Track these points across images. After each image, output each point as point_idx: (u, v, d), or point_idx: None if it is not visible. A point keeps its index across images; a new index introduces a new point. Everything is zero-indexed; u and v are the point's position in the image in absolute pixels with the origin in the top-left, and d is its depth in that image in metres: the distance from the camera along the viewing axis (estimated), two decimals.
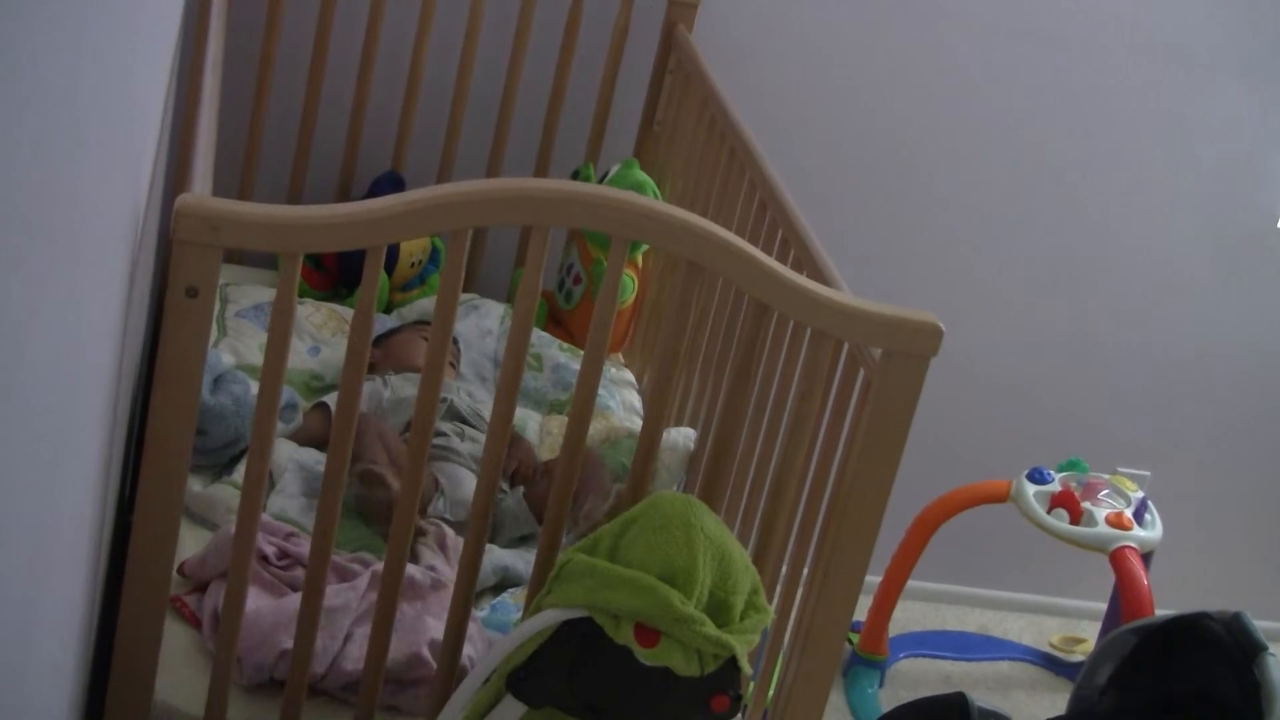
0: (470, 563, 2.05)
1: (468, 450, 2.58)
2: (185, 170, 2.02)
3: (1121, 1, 3.42)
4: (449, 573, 2.30)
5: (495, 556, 2.43)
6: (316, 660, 2.08)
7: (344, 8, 3.09)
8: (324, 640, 2.10)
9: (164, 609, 1.94)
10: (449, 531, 2.43)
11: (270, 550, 2.27)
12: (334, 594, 2.15)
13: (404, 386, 2.68)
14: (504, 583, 2.44)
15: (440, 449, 2.55)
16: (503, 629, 2.23)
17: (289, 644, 2.07)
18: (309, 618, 2.01)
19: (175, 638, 2.13)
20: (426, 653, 2.15)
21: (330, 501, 1.96)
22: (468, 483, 2.53)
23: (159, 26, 1.99)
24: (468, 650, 2.11)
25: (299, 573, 2.25)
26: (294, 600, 2.13)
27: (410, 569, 2.21)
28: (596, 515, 2.40)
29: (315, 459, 2.51)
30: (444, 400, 2.64)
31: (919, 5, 3.36)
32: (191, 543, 2.32)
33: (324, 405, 2.63)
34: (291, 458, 2.53)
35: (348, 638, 2.14)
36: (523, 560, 2.47)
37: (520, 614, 2.27)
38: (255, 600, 2.11)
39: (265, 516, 2.35)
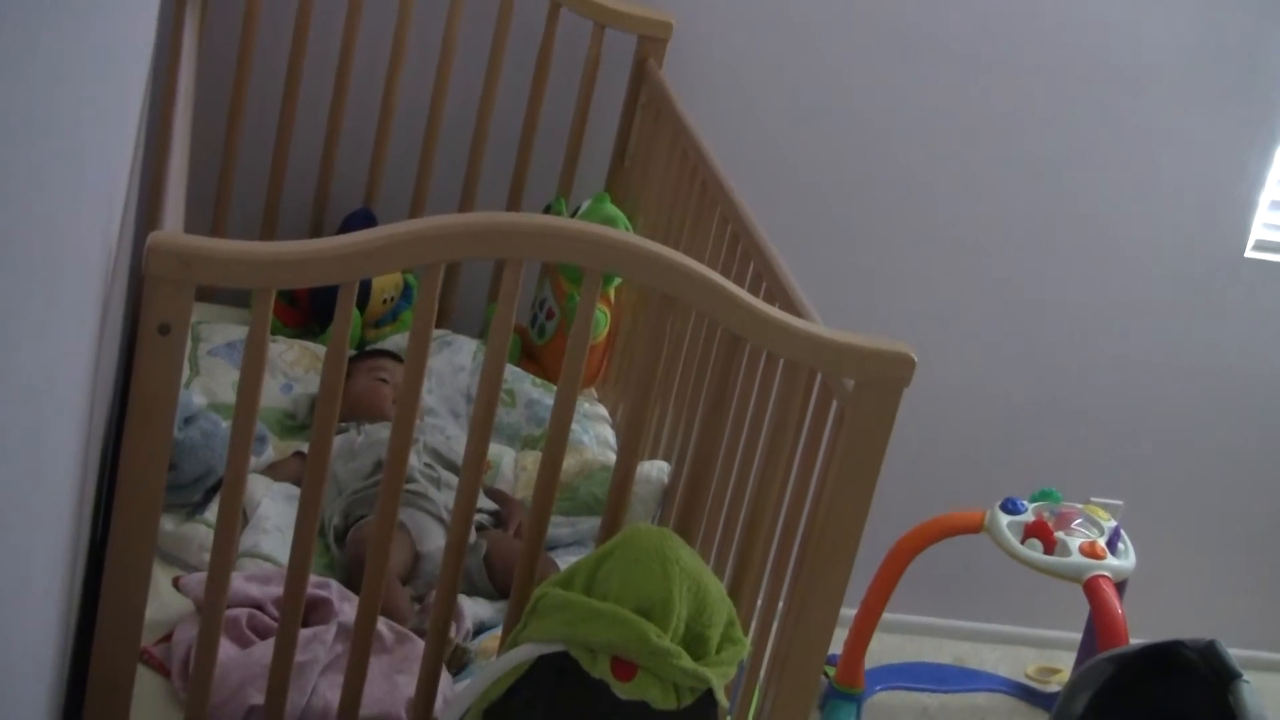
0: (442, 615, 2.04)
1: (442, 500, 2.55)
2: (157, 207, 2.03)
3: (1086, 30, 3.44)
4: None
5: (466, 608, 2.39)
6: (285, 717, 2.06)
7: (316, 44, 3.09)
8: (292, 696, 2.08)
9: (137, 648, 1.93)
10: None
11: (259, 594, 2.24)
12: (302, 648, 2.12)
13: (377, 429, 2.66)
14: (479, 629, 2.42)
15: (410, 494, 2.51)
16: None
17: (257, 699, 2.06)
18: (281, 673, 2.00)
19: (145, 683, 2.11)
20: (404, 714, 2.13)
21: (303, 547, 1.95)
22: (435, 535, 2.50)
23: (130, 63, 1.99)
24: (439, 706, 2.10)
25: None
26: (259, 651, 2.12)
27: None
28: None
29: (293, 493, 2.50)
30: (416, 440, 2.62)
31: (886, 37, 3.37)
32: (164, 582, 2.30)
33: (302, 455, 2.60)
34: (266, 492, 2.52)
35: (313, 691, 2.12)
36: (497, 610, 2.45)
37: (473, 662, 2.26)
38: (221, 649, 2.09)
39: (255, 565, 2.34)
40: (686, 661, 1.88)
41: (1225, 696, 2.38)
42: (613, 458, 2.78)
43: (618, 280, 3.02)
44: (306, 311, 3.10)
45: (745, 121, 3.37)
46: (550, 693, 1.92)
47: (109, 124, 1.71)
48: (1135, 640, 2.87)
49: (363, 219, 3.13)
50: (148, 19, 2.41)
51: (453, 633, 2.25)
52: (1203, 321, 3.75)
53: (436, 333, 3.04)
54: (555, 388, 2.05)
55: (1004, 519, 3.27)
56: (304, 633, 2.14)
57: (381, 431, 2.63)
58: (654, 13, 3.19)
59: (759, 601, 2.22)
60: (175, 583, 2.25)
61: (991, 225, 3.58)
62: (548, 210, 3.17)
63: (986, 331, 3.68)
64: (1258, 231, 3.68)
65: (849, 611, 3.05)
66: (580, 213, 3.04)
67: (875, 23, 3.36)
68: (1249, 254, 3.70)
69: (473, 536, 2.45)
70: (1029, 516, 3.28)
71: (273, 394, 2.84)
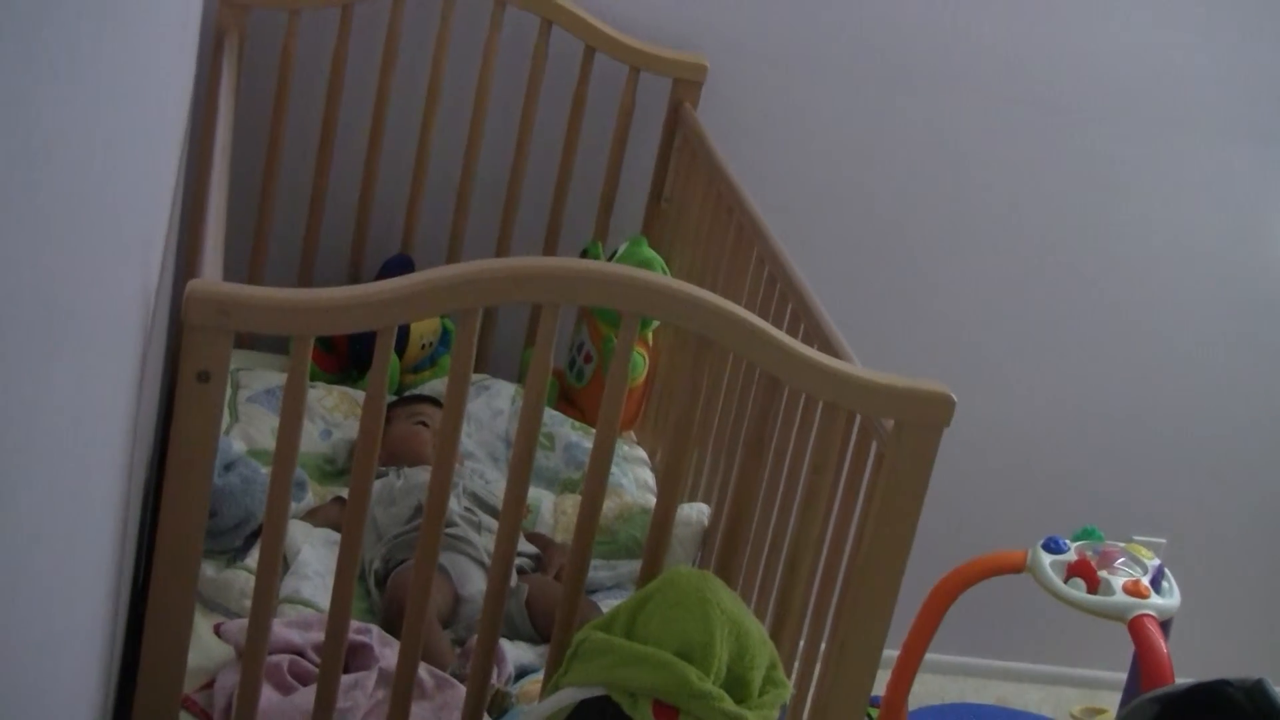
0: (483, 660, 2.03)
1: (482, 544, 2.54)
2: (195, 254, 2.03)
3: (1123, 68, 3.43)
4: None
5: (508, 652, 2.37)
6: None
7: (351, 90, 3.11)
8: None
9: (179, 695, 1.93)
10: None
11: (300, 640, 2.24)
12: (343, 694, 2.12)
13: (416, 474, 2.66)
14: (521, 673, 2.41)
15: (451, 538, 2.51)
16: None
17: None
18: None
19: None
20: None
21: (343, 592, 1.95)
22: (475, 579, 2.49)
23: (168, 112, 2.01)
24: None
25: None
26: (301, 697, 2.12)
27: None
28: None
29: (333, 538, 2.50)
30: (456, 484, 2.62)
31: (922, 77, 3.37)
32: (205, 628, 2.31)
33: (342, 500, 2.60)
34: (306, 538, 2.52)
35: None
36: (538, 654, 2.45)
37: (514, 707, 2.25)
38: (263, 696, 2.08)
39: (296, 611, 2.34)
40: (728, 704, 1.87)
41: None
42: (652, 500, 2.78)
43: (655, 323, 3.02)
44: (344, 357, 3.11)
45: (781, 162, 3.37)
46: None
47: (147, 171, 1.72)
48: (1181, 679, 2.84)
49: (400, 264, 3.14)
50: (186, 66, 2.43)
51: (494, 677, 2.24)
52: (1243, 357, 3.73)
53: (475, 377, 3.04)
54: (594, 431, 2.05)
55: (1046, 558, 3.24)
56: (345, 679, 2.14)
57: (421, 476, 2.63)
58: (688, 55, 3.20)
59: (800, 643, 2.21)
60: (216, 629, 2.25)
61: (1030, 263, 3.57)
62: (584, 254, 3.17)
63: (1026, 370, 3.66)
64: None
65: (891, 653, 3.04)
66: (617, 256, 3.04)
67: (910, 63, 3.36)
68: None
69: (514, 580, 2.44)
70: (1071, 556, 3.25)
71: (312, 440, 2.84)
